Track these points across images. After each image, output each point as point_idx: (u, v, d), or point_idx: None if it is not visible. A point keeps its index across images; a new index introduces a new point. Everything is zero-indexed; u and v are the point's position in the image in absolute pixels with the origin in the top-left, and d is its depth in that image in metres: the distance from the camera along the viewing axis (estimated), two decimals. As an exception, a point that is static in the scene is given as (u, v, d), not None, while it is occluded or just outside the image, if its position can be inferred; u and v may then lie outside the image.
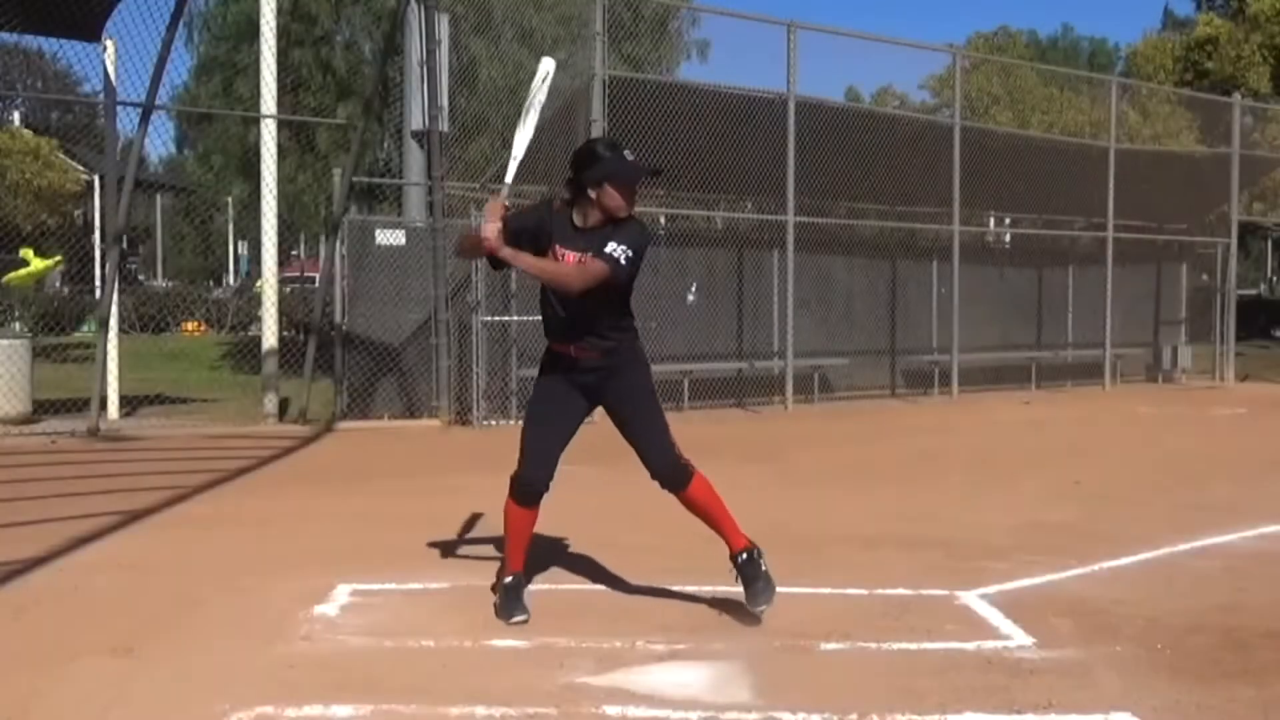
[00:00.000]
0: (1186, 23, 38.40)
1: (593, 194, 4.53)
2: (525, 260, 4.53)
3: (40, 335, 18.00)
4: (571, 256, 4.55)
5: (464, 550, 5.89)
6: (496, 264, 4.68)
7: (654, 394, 4.82)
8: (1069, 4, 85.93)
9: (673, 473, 4.71)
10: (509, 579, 4.76)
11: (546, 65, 4.83)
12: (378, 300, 12.16)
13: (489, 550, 5.81)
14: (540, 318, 4.79)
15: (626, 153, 4.61)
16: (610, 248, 4.48)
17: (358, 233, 12.30)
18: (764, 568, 4.68)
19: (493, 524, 6.31)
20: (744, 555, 4.69)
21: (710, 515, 4.76)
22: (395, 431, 11.64)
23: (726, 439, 11.36)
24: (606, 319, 4.65)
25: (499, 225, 4.49)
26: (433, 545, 6.03)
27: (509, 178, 4.70)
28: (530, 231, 4.61)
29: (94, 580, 5.36)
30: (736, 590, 4.89)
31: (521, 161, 4.72)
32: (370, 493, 8.13)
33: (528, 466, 4.68)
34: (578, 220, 4.59)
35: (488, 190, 14.10)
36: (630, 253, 4.49)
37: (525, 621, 4.62)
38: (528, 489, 4.68)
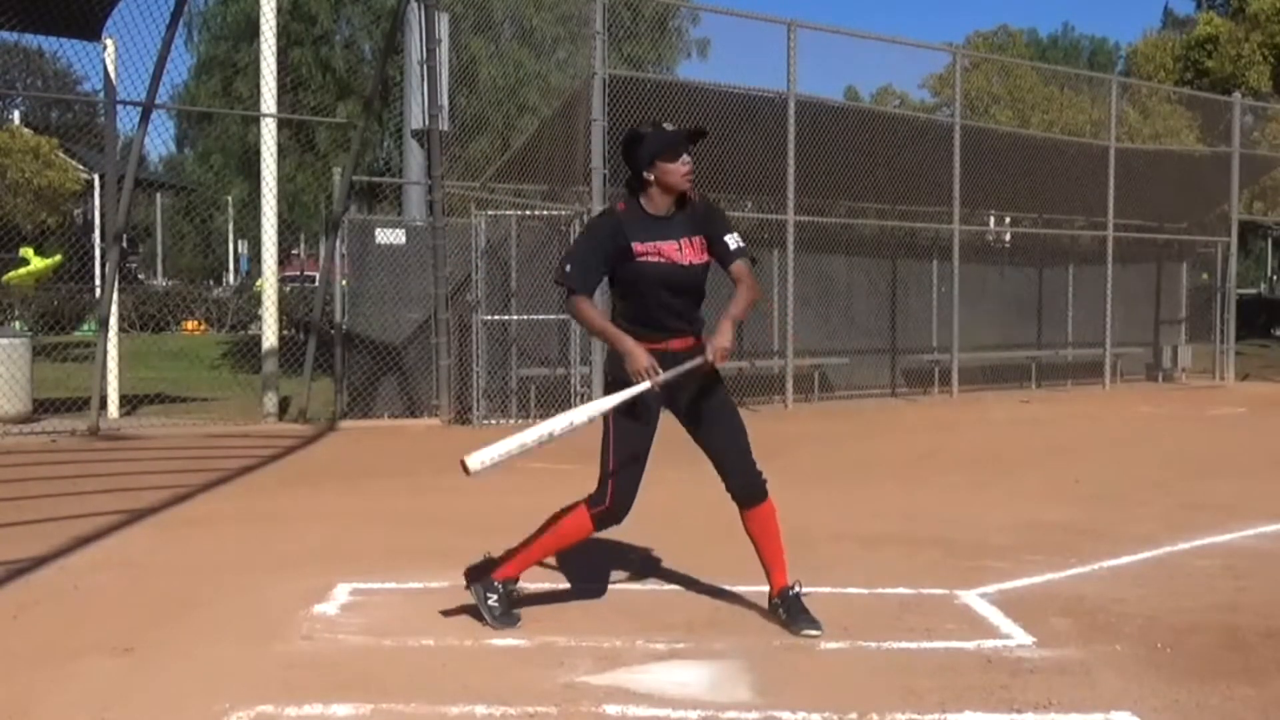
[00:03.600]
0: (1186, 22, 38.38)
1: (650, 177, 4.51)
2: (739, 307, 4.55)
3: (40, 334, 17.99)
4: (670, 246, 4.48)
5: (464, 549, 5.88)
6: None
7: (732, 399, 4.76)
8: (1069, 3, 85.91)
9: (757, 485, 4.63)
10: (506, 585, 4.63)
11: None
12: (378, 299, 12.16)
13: (489, 549, 5.81)
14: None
15: (666, 125, 4.58)
16: (732, 242, 4.56)
17: (358, 232, 12.30)
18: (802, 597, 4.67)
19: (492, 522, 6.32)
20: (792, 590, 4.66)
21: (768, 543, 4.68)
22: (395, 430, 11.65)
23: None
24: (697, 310, 4.63)
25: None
26: (432, 544, 6.03)
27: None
28: (606, 255, 4.51)
29: (94, 579, 5.37)
30: (737, 589, 4.89)
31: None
32: (370, 492, 8.13)
33: (623, 499, 4.50)
34: (650, 209, 4.53)
35: (488, 189, 14.11)
36: (739, 240, 4.59)
37: (519, 622, 4.58)
38: (615, 523, 4.55)
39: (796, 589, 4.65)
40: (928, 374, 16.54)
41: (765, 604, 4.76)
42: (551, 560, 4.82)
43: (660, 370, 4.41)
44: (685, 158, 4.52)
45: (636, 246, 4.48)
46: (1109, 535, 6.62)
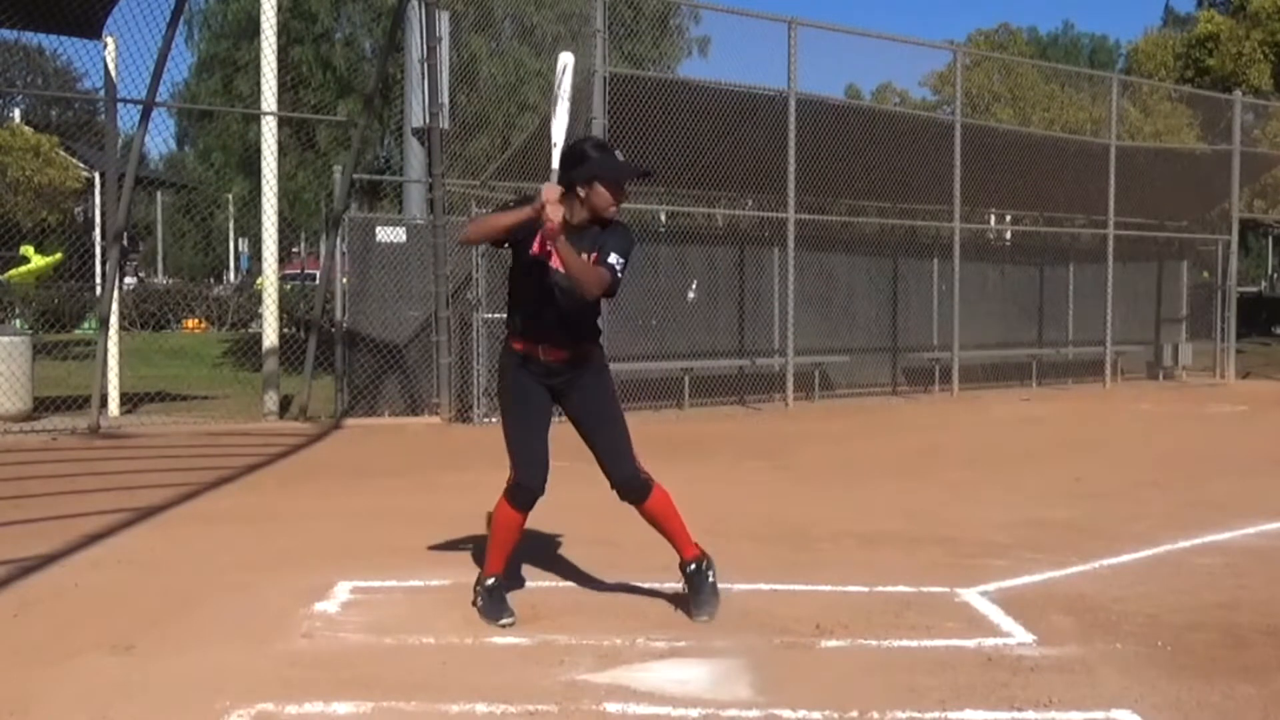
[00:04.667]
0: (1187, 19, 38.38)
1: (581, 192, 4.51)
2: (567, 251, 4.38)
3: (41, 332, 18.00)
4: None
5: (464, 547, 5.89)
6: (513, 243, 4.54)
7: (617, 402, 4.80)
8: (1070, 1, 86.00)
9: (633, 485, 4.71)
10: (490, 581, 4.72)
11: (565, 59, 4.75)
12: (378, 297, 12.16)
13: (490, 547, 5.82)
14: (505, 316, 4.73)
15: (616, 153, 4.64)
16: (612, 259, 4.45)
17: (359, 230, 12.30)
18: (711, 579, 4.76)
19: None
20: (693, 565, 4.76)
21: (666, 527, 4.79)
22: (396, 428, 11.65)
23: (727, 436, 11.36)
24: (582, 323, 4.65)
25: (558, 195, 4.37)
26: (433, 542, 6.03)
27: (555, 164, 4.56)
28: (520, 225, 4.50)
29: (94, 577, 5.37)
30: (736, 588, 4.89)
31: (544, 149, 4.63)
32: (370, 490, 8.13)
33: (526, 471, 4.61)
34: (568, 215, 4.51)
35: (488, 187, 14.11)
36: (623, 264, 4.49)
37: (513, 623, 4.59)
38: (529, 495, 4.63)
39: (700, 565, 4.75)
40: (928, 372, 16.54)
41: (767, 603, 4.77)
42: (513, 549, 4.80)
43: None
44: (621, 192, 4.56)
45: (537, 242, 4.50)
46: (1109, 533, 6.62)
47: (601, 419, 4.72)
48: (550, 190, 4.38)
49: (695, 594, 4.74)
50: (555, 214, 4.32)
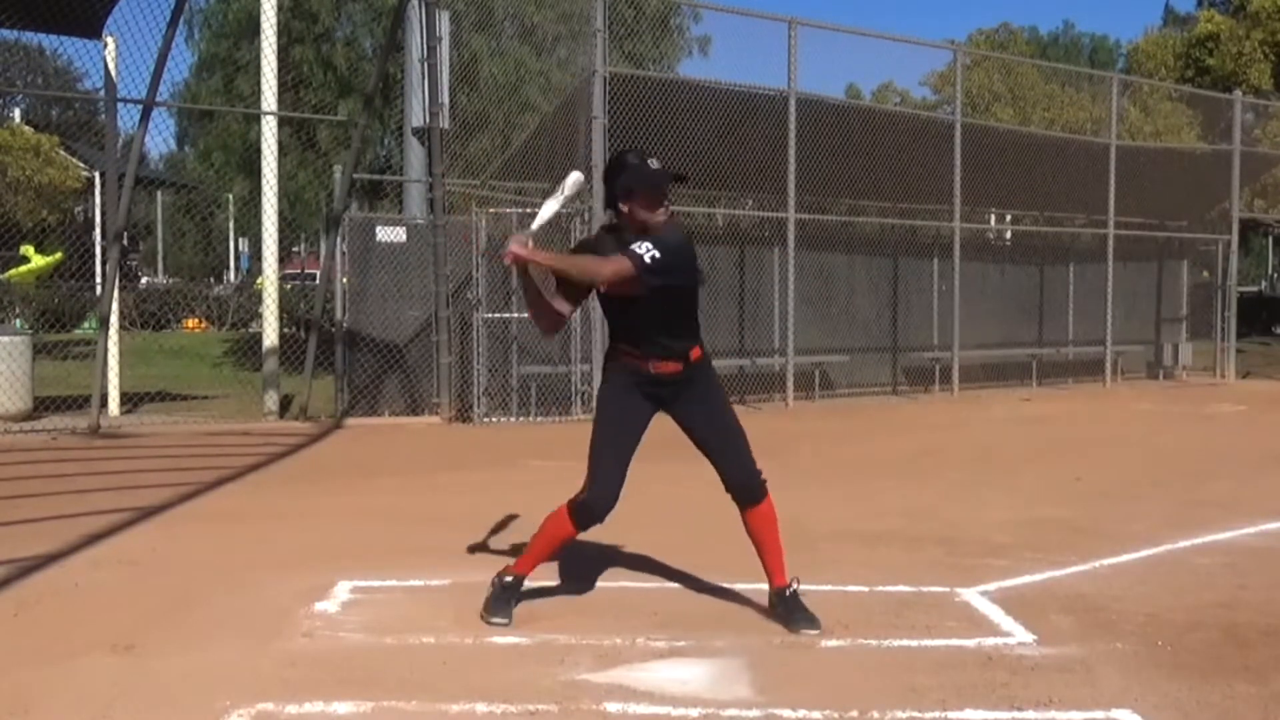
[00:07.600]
0: (1188, 19, 38.39)
1: (624, 208, 4.50)
2: (542, 256, 4.41)
3: (41, 332, 18.00)
4: None
5: (465, 547, 5.89)
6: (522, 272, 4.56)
7: (729, 403, 4.73)
8: (1070, 1, 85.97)
9: (754, 484, 4.64)
10: (509, 579, 4.67)
11: (576, 177, 4.76)
12: (379, 297, 12.16)
13: (490, 546, 5.82)
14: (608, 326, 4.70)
15: (651, 160, 4.55)
16: (634, 246, 4.41)
17: (359, 230, 12.30)
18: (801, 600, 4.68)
19: (494, 520, 6.33)
20: (789, 590, 4.67)
21: (768, 539, 4.70)
22: (396, 428, 11.65)
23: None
24: (677, 328, 4.56)
25: (525, 242, 4.38)
26: (433, 542, 6.03)
27: (534, 226, 4.54)
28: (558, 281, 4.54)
29: (95, 577, 5.37)
30: (737, 587, 4.90)
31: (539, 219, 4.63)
32: (370, 489, 8.13)
33: (601, 490, 4.49)
34: (626, 238, 4.52)
35: (488, 187, 14.11)
36: (656, 253, 4.38)
37: (506, 625, 4.56)
38: (590, 517, 4.53)
39: (794, 587, 4.67)
40: (928, 372, 16.53)
41: (766, 601, 4.76)
42: (552, 559, 4.81)
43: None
44: (665, 200, 4.52)
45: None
46: (1109, 533, 6.62)
47: (721, 425, 4.64)
48: (514, 239, 4.39)
49: (793, 615, 4.62)
50: (515, 246, 4.33)
